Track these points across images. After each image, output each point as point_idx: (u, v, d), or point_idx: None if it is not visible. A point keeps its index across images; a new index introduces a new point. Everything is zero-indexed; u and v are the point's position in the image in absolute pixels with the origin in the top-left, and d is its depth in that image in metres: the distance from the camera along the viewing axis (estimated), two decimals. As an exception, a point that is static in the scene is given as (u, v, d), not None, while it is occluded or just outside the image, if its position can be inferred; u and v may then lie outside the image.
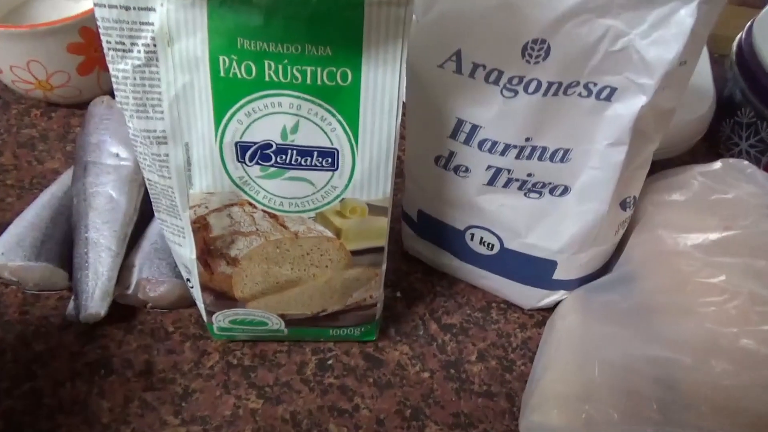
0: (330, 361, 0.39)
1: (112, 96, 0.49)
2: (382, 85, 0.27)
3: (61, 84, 0.51)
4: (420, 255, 0.44)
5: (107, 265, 0.39)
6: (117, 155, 0.44)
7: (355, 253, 0.33)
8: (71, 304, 0.39)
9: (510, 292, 0.42)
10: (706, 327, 0.32)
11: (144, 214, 0.43)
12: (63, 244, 0.41)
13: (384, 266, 0.35)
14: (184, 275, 0.37)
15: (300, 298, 0.35)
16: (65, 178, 0.46)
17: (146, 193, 0.44)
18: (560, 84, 0.30)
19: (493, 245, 0.38)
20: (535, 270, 0.39)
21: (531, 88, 0.31)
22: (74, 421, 0.35)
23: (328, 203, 0.31)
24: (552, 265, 0.38)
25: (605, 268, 0.40)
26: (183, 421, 0.36)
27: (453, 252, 0.41)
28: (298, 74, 0.27)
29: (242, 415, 0.36)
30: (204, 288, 0.35)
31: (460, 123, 0.34)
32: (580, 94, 0.31)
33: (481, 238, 0.39)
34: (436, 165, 0.36)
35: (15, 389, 0.37)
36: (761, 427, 0.30)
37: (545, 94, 0.31)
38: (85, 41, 0.49)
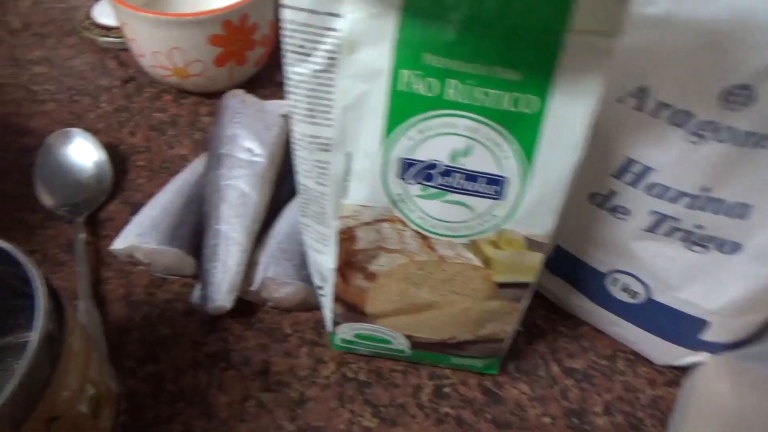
0: (446, 389, 0.38)
1: (243, 89, 0.50)
2: (571, 117, 0.26)
3: (197, 73, 0.52)
4: (546, 291, 0.42)
5: (236, 260, 0.39)
6: (250, 150, 0.45)
7: (500, 285, 0.32)
8: (196, 293, 0.40)
9: (643, 345, 0.39)
10: None
11: (270, 212, 0.44)
12: (193, 231, 0.42)
13: (526, 303, 0.33)
14: (316, 282, 0.36)
15: (432, 323, 0.34)
16: (197, 166, 0.47)
17: (276, 191, 0.45)
18: (759, 135, 0.28)
19: (637, 294, 0.36)
20: (680, 327, 0.36)
21: (723, 137, 0.28)
22: (193, 411, 0.36)
23: (484, 232, 0.30)
24: (702, 324, 0.35)
25: (758, 334, 0.36)
26: (298, 428, 0.35)
27: (588, 294, 0.39)
28: (480, 96, 0.26)
29: (355, 433, 0.36)
30: (336, 299, 0.34)
31: (629, 162, 0.31)
32: (779, 149, 0.28)
33: (626, 285, 0.36)
34: (589, 202, 0.34)
35: (139, 370, 0.37)
36: None
37: (739, 144, 0.28)
38: (226, 34, 0.50)
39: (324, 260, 0.34)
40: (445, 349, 0.36)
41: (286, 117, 0.47)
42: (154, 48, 0.50)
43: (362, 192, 0.30)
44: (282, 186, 0.45)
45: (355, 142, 0.28)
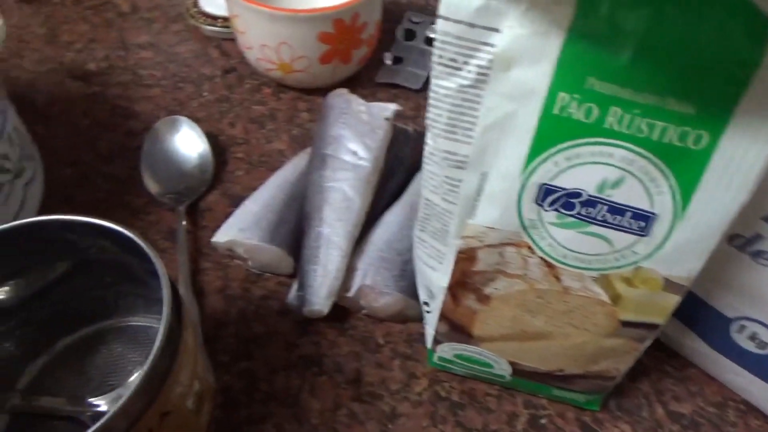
0: (543, 420, 0.36)
1: (343, 88, 0.49)
2: (743, 158, 0.24)
3: (301, 69, 0.52)
4: (653, 327, 0.40)
5: (336, 264, 0.39)
6: (355, 153, 0.44)
7: (625, 324, 0.30)
8: (293, 293, 0.40)
9: (759, 395, 0.36)
10: None
11: (368, 218, 0.43)
12: (293, 230, 0.42)
13: (648, 343, 0.31)
14: (423, 298, 0.35)
15: (541, 353, 0.33)
16: (298, 163, 0.47)
17: (375, 197, 0.44)
18: None
19: (766, 344, 0.33)
20: (810, 384, 0.33)
21: None
22: (285, 413, 0.35)
23: (620, 267, 0.28)
24: (835, 384, 0.32)
25: None
26: (390, 445, 0.35)
27: (706, 338, 0.36)
28: (645, 128, 0.24)
29: (449, 456, 0.34)
30: (442, 317, 0.33)
31: (783, 207, 0.29)
32: None
33: (754, 334, 0.33)
34: (728, 243, 0.32)
35: (233, 366, 0.37)
36: None
37: None
38: (335, 32, 0.50)
39: (436, 277, 0.32)
40: (549, 380, 0.34)
41: (390, 121, 0.46)
42: (264, 41, 0.50)
43: (492, 214, 0.28)
44: (381, 192, 0.44)
45: (493, 162, 0.27)
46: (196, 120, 0.50)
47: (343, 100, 0.48)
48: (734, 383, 0.37)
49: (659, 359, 0.40)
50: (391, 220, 0.42)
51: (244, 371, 0.37)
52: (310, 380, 0.37)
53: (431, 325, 0.35)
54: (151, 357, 0.25)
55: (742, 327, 0.34)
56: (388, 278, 0.39)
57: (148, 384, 0.25)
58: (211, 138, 0.50)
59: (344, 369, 0.38)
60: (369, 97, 0.53)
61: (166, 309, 0.26)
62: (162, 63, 0.57)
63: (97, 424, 0.23)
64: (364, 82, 0.56)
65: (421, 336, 0.39)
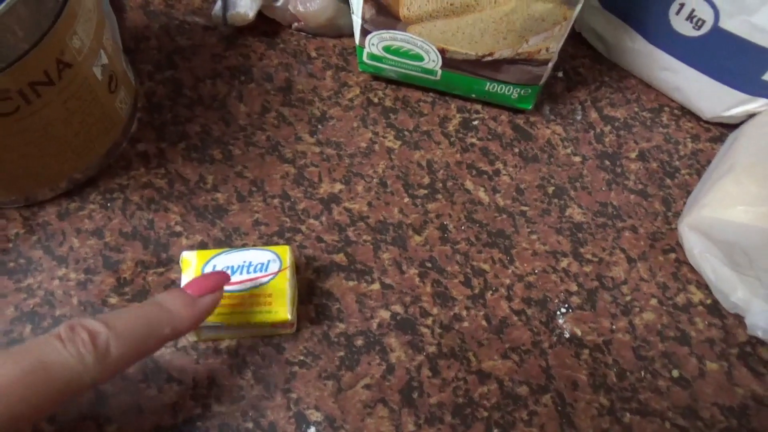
0: (475, 122, 0.36)
1: None
2: None
3: None
4: (594, 37, 0.38)
5: (261, -32, 0.36)
6: None
7: (553, -21, 0.28)
8: (218, 4, 0.37)
9: (694, 93, 0.36)
10: None
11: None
12: (216, -59, 0.38)
13: (578, 8, 0.29)
14: (347, -20, 0.33)
15: (470, 30, 0.31)
16: None
17: None
18: None
19: (703, 22, 0.32)
20: (744, 64, 0.32)
21: None
22: (212, 116, 0.35)
23: None
24: (768, 61, 0.31)
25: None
26: (318, 141, 0.34)
27: (643, 30, 0.35)
28: None
29: (378, 151, 0.34)
30: (368, -4, 0.31)
31: None
32: None
33: (692, 11, 0.32)
34: None
35: (157, 74, 0.36)
36: None
37: None
38: None
39: (357, -53, 0.30)
40: (480, 70, 0.33)
41: None
42: None
43: None
44: None
45: None
46: None
47: None
48: (667, 83, 0.36)
49: (598, 71, 0.39)
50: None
51: (168, 79, 0.36)
52: (237, 88, 0.36)
53: (357, 11, 0.33)
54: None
55: (681, 5, 0.32)
56: (317, -17, 0.36)
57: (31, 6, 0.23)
58: None
59: (274, 78, 0.36)
60: None
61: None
62: None
63: None
64: None
65: (355, 50, 0.38)
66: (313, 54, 0.38)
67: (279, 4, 0.37)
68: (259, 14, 0.37)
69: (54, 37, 0.25)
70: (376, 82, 0.37)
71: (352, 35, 0.38)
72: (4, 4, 0.22)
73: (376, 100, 0.36)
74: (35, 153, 0.28)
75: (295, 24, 0.38)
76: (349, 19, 0.37)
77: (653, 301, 0.31)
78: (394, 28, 0.32)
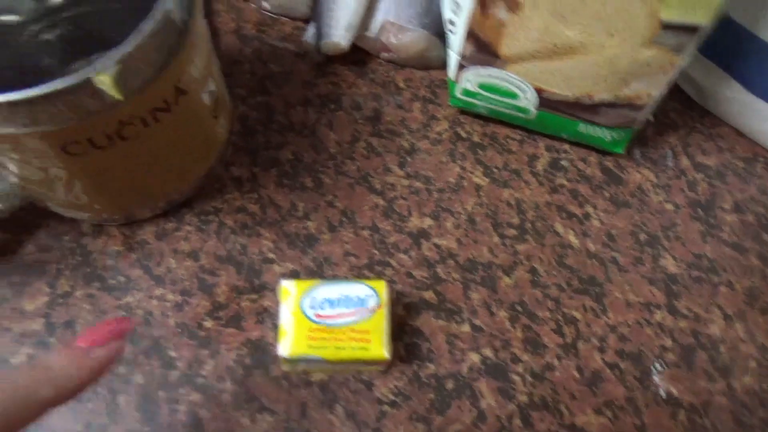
0: (564, 162, 0.36)
1: None
2: None
3: None
4: (688, 83, 0.37)
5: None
6: None
7: (666, 27, 0.28)
8: (310, 31, 0.38)
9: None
10: None
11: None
12: (311, -30, 0.39)
13: (686, 56, 0.29)
14: (447, 15, 0.33)
15: (570, 72, 0.31)
16: None
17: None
18: None
19: (814, 76, 0.31)
20: None
21: None
22: (303, 143, 0.35)
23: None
24: None
25: None
26: (407, 174, 0.34)
27: (745, 80, 0.34)
28: None
29: (466, 187, 0.34)
30: (469, 34, 0.31)
31: None
32: None
33: (803, 64, 0.31)
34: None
35: (250, 98, 0.36)
36: None
37: None
38: None
39: (464, -14, 0.30)
40: (576, 111, 0.33)
41: None
42: None
43: None
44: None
45: None
46: None
47: None
48: (766, 133, 0.35)
49: (689, 117, 0.38)
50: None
51: (261, 104, 0.36)
52: (327, 115, 0.36)
53: (455, 48, 0.33)
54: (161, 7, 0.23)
55: (791, 57, 0.31)
56: (411, 15, 0.36)
57: (163, 32, 0.24)
58: None
59: (363, 107, 0.37)
60: None
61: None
62: None
63: (121, 50, 0.22)
64: None
65: (443, 83, 0.38)
66: (402, 85, 0.38)
67: (371, 34, 0.37)
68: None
69: (176, 67, 0.25)
70: (463, 116, 0.37)
71: (440, 68, 0.38)
72: (139, 38, 0.23)
73: (464, 134, 0.36)
74: (142, 174, 0.29)
75: (385, 54, 0.38)
76: (438, 51, 0.37)
77: (753, 364, 0.30)
78: (492, 66, 0.32)
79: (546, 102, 0.33)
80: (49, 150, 0.24)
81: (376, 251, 0.32)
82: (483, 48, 0.32)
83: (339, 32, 0.36)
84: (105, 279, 0.29)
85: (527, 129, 0.36)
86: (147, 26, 0.23)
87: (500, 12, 0.30)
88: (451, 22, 0.33)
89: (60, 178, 0.27)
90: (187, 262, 0.30)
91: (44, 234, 0.30)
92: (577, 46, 0.30)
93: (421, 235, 0.32)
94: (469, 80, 0.34)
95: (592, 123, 0.33)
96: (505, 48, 0.31)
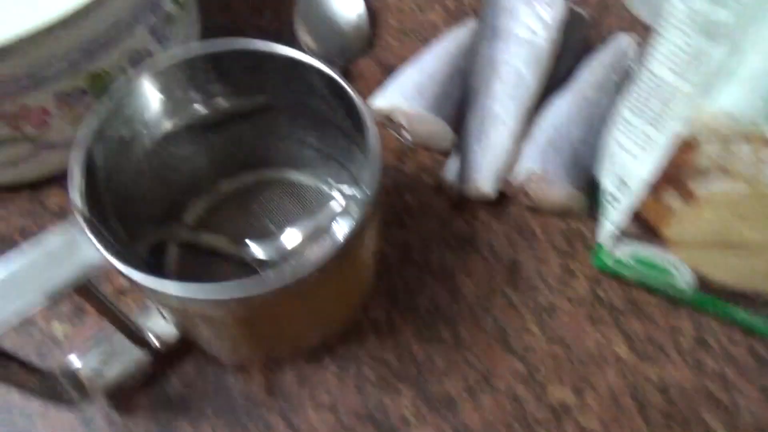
0: (710, 341, 0.34)
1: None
2: None
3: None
4: None
5: (505, 144, 0.36)
6: (531, 29, 0.40)
7: None
8: (451, 167, 0.38)
9: None
10: None
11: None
12: (457, 105, 0.39)
13: None
14: (609, 188, 0.32)
15: (739, 267, 0.30)
16: (458, 37, 0.43)
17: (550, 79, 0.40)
18: None
19: None
20: None
21: None
22: (440, 288, 0.34)
23: None
24: None
25: None
26: (548, 338, 0.33)
27: None
28: None
29: (608, 359, 0.33)
30: (635, 215, 0.30)
31: None
32: None
33: None
34: None
35: (388, 233, 0.36)
36: None
37: None
38: None
39: (636, 167, 0.29)
40: (737, 300, 0.31)
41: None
42: None
43: (737, 98, 0.25)
44: (551, 75, 0.40)
45: (756, 34, 0.23)
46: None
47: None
48: None
49: None
50: (561, 105, 0.39)
51: (398, 241, 0.36)
52: (464, 259, 0.36)
53: (614, 221, 0.32)
54: (359, 217, 0.24)
55: None
56: (558, 166, 0.36)
57: (356, 235, 0.24)
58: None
59: (499, 254, 0.36)
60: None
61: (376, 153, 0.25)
62: None
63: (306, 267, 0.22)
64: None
65: (581, 234, 0.37)
66: (537, 231, 0.37)
67: (517, 181, 0.37)
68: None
69: (359, 250, 0.25)
70: (602, 275, 0.36)
71: (577, 217, 0.37)
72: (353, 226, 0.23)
73: (603, 296, 0.35)
74: (299, 323, 0.29)
75: (524, 199, 0.38)
76: (580, 204, 0.36)
77: None
78: (651, 244, 0.31)
79: (706, 287, 0.32)
80: (230, 321, 0.25)
81: (515, 422, 0.31)
82: (645, 227, 0.31)
83: (485, 178, 0.36)
84: (247, 426, 0.29)
85: (670, 297, 0.35)
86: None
87: (672, 200, 0.29)
88: (613, 197, 0.32)
89: (221, 336, 0.27)
90: (327, 416, 0.30)
91: (189, 367, 0.31)
92: (754, 245, 0.28)
93: (563, 410, 0.31)
94: (623, 252, 0.33)
95: (753, 310, 0.32)
96: (671, 233, 0.30)
